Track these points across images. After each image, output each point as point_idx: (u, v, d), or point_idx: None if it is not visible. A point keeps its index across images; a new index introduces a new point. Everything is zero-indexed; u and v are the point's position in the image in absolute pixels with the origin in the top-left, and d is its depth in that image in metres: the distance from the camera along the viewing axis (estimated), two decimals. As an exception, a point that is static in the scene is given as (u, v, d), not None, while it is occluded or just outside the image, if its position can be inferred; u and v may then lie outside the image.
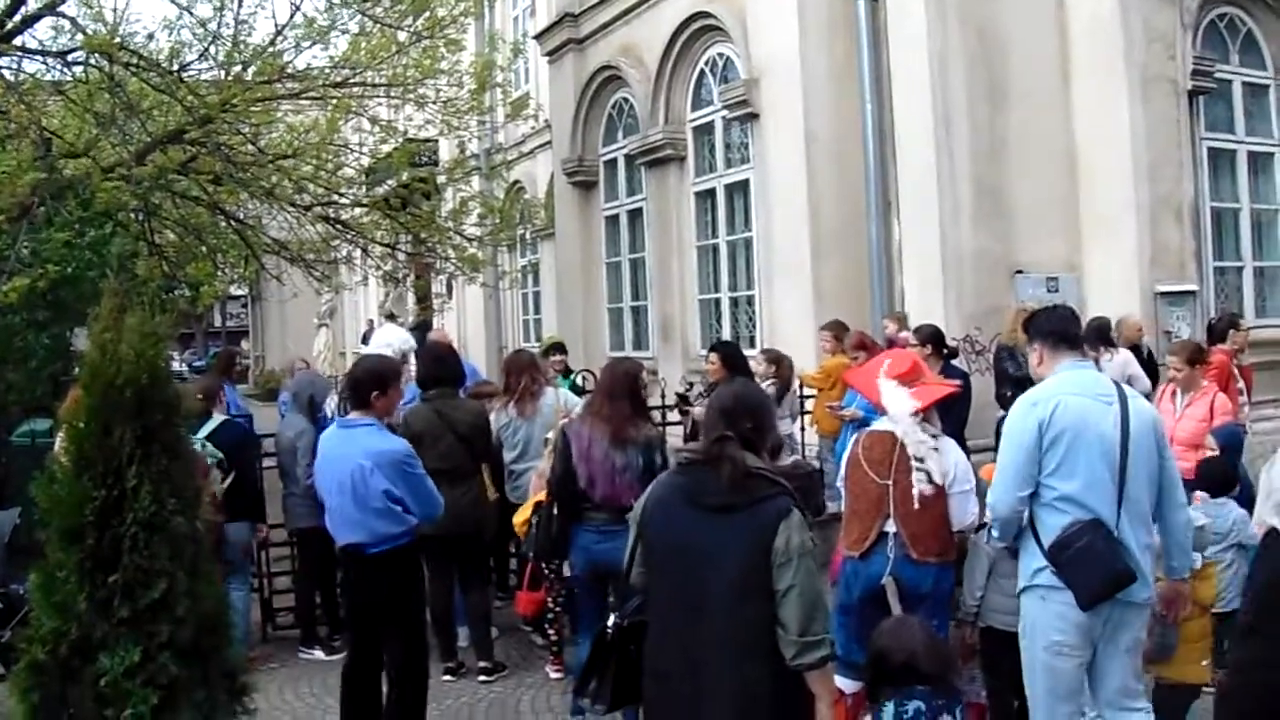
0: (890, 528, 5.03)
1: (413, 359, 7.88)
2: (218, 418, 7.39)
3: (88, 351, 3.22)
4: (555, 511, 6.00)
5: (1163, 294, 10.55)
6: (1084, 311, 10.29)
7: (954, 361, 9.01)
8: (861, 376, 5.76)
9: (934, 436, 5.21)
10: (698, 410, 7.40)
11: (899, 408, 5.10)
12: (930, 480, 5.00)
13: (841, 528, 5.39)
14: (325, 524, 5.62)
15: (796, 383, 9.35)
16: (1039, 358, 4.60)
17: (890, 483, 5.04)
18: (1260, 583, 3.95)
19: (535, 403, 7.25)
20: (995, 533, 4.61)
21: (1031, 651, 4.44)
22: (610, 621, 4.03)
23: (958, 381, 7.05)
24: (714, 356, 7.94)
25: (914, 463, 5.02)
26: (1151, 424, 4.41)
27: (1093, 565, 4.19)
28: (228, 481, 6.94)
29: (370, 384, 5.46)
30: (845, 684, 4.93)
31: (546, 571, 6.68)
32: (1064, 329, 4.61)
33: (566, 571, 6.37)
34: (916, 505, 4.99)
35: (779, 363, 9.03)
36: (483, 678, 6.92)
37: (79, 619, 3.02)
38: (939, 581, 5.08)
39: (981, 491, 5.00)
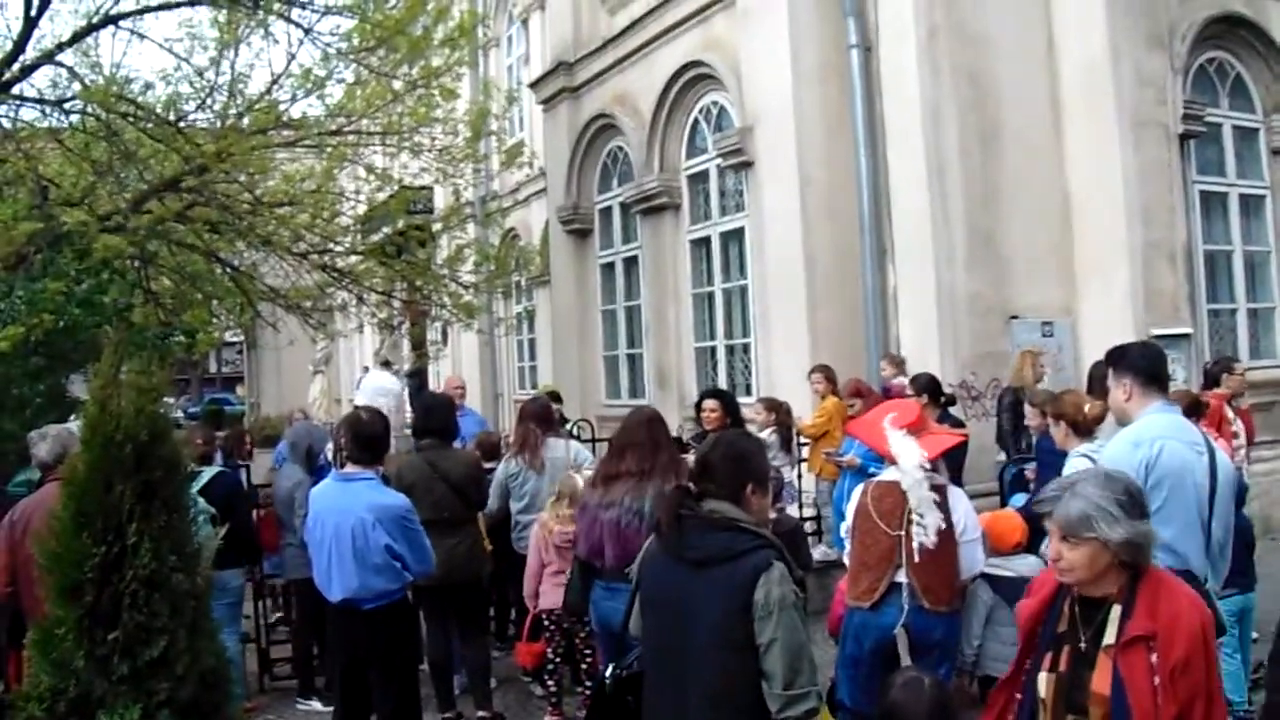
0: (902, 578, 4.98)
1: (407, 402, 7.86)
2: (211, 470, 7.36)
3: (87, 406, 3.20)
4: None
5: (1158, 337, 10.52)
6: (1080, 356, 10.34)
7: (951, 409, 8.93)
8: (865, 426, 5.72)
9: (941, 487, 5.18)
10: (691, 458, 7.36)
11: (907, 459, 5.05)
12: (928, 534, 4.95)
13: (847, 579, 5.35)
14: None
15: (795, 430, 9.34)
16: (1127, 393, 4.41)
17: (902, 533, 5.00)
18: None
19: (541, 454, 7.17)
20: None
21: None
22: (609, 672, 4.02)
23: (964, 431, 6.98)
24: (714, 404, 7.82)
25: (915, 515, 4.97)
26: (1233, 478, 4.35)
27: None
28: (221, 533, 6.88)
29: (381, 440, 5.48)
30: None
31: (546, 623, 6.64)
32: (1158, 369, 4.45)
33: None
34: (918, 559, 4.95)
35: (777, 409, 9.01)
36: (481, 728, 6.84)
37: (77, 676, 2.99)
38: (948, 631, 5.06)
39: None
